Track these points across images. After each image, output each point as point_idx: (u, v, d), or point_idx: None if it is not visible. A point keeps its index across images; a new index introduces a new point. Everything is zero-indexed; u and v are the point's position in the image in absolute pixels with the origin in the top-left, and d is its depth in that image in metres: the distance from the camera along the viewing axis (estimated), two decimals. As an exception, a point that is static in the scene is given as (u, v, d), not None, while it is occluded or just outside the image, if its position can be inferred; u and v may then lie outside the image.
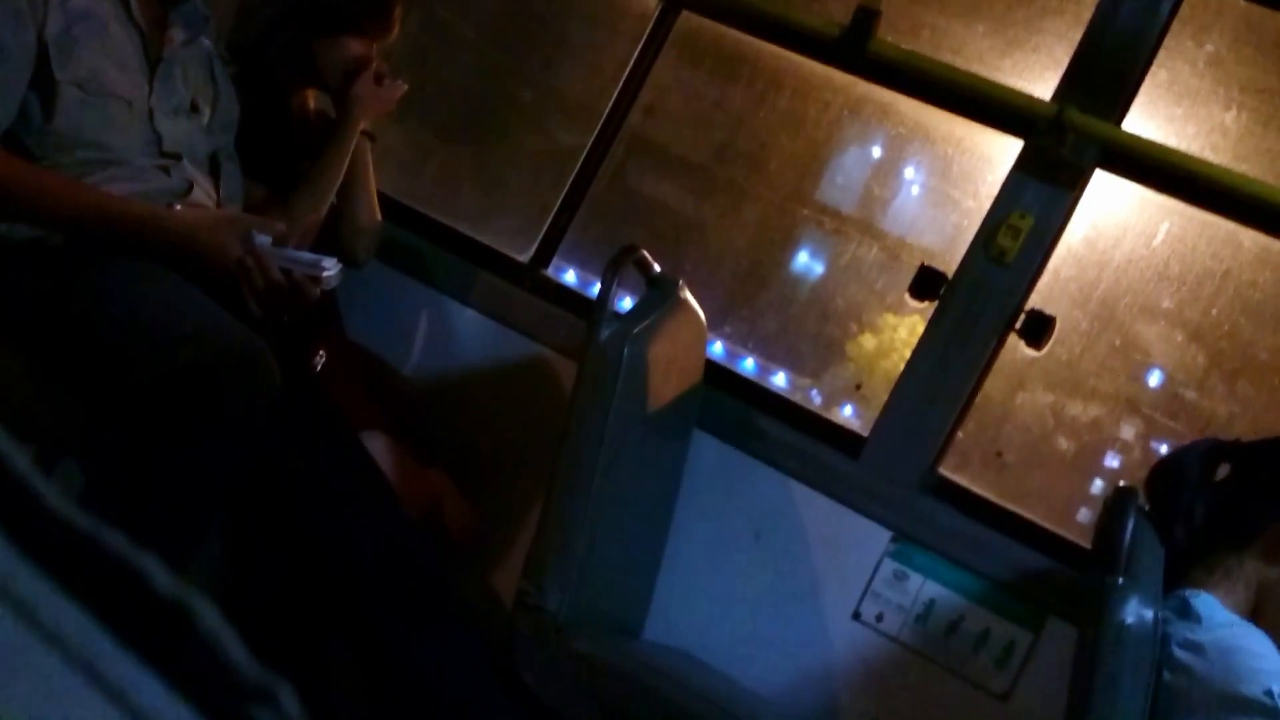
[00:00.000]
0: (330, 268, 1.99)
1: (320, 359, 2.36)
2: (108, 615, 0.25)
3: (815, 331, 2.86)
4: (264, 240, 1.95)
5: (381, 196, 2.57)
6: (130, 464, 1.77)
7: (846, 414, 2.69)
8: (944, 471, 2.45)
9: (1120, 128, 2.41)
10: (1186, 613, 1.88)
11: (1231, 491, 1.97)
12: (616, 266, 2.24)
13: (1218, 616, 1.88)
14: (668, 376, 2.33)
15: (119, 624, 0.26)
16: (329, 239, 2.41)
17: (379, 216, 2.53)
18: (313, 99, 2.53)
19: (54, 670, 0.24)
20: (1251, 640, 1.88)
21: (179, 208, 2.01)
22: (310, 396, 2.09)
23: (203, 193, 2.10)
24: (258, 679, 0.27)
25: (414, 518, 2.19)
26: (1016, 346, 2.46)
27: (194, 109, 2.15)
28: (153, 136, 2.04)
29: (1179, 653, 1.85)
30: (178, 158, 2.07)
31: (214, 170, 2.19)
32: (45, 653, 0.24)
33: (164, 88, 2.07)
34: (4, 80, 1.87)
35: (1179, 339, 2.57)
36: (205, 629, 0.27)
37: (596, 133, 2.83)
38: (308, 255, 2.01)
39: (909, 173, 2.85)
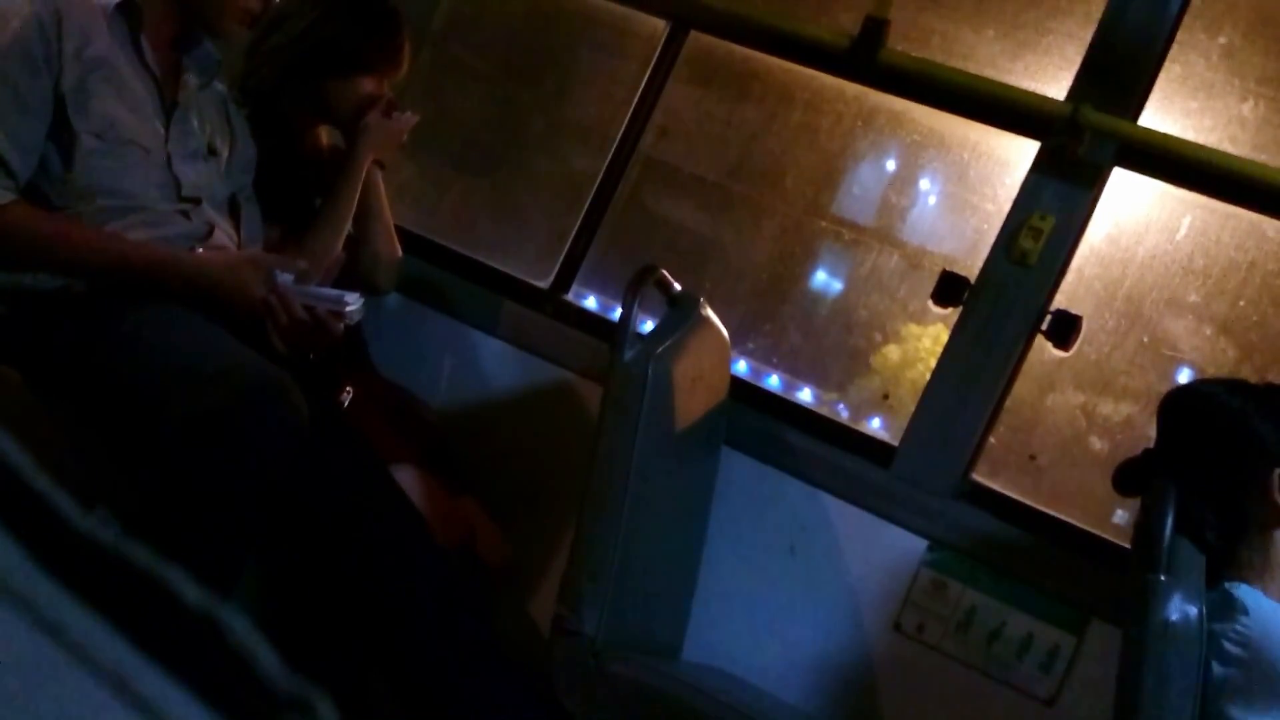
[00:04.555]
0: (353, 302, 2.00)
1: (348, 395, 2.37)
2: (136, 629, 0.25)
3: (839, 344, 2.84)
4: (286, 278, 1.96)
5: (401, 230, 2.59)
6: (163, 506, 1.78)
7: (875, 426, 2.67)
8: (977, 477, 2.43)
9: (1136, 124, 2.40)
10: (1231, 605, 1.86)
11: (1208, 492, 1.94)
12: (637, 287, 2.24)
13: (1264, 605, 1.86)
14: (693, 395, 2.33)
15: (148, 637, 0.25)
16: (349, 271, 2.42)
17: (397, 244, 2.55)
18: (325, 135, 2.55)
19: (83, 685, 0.24)
20: None
21: (201, 250, 2.03)
22: (339, 432, 2.09)
23: (224, 235, 2.12)
24: (292, 690, 0.27)
25: (447, 548, 2.19)
26: (1044, 348, 2.45)
27: (211, 152, 2.17)
28: (171, 181, 2.05)
29: (1229, 646, 1.83)
30: (197, 201, 2.09)
31: (234, 212, 2.21)
32: (74, 668, 0.24)
33: (180, 132, 2.09)
34: (24, 133, 1.89)
35: (1208, 333, 2.54)
36: (236, 640, 0.27)
37: (610, 157, 2.83)
38: (330, 291, 2.03)
39: (926, 180, 2.84)
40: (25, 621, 0.24)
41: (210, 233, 2.08)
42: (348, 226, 2.41)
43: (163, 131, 2.06)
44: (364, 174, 2.41)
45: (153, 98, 2.05)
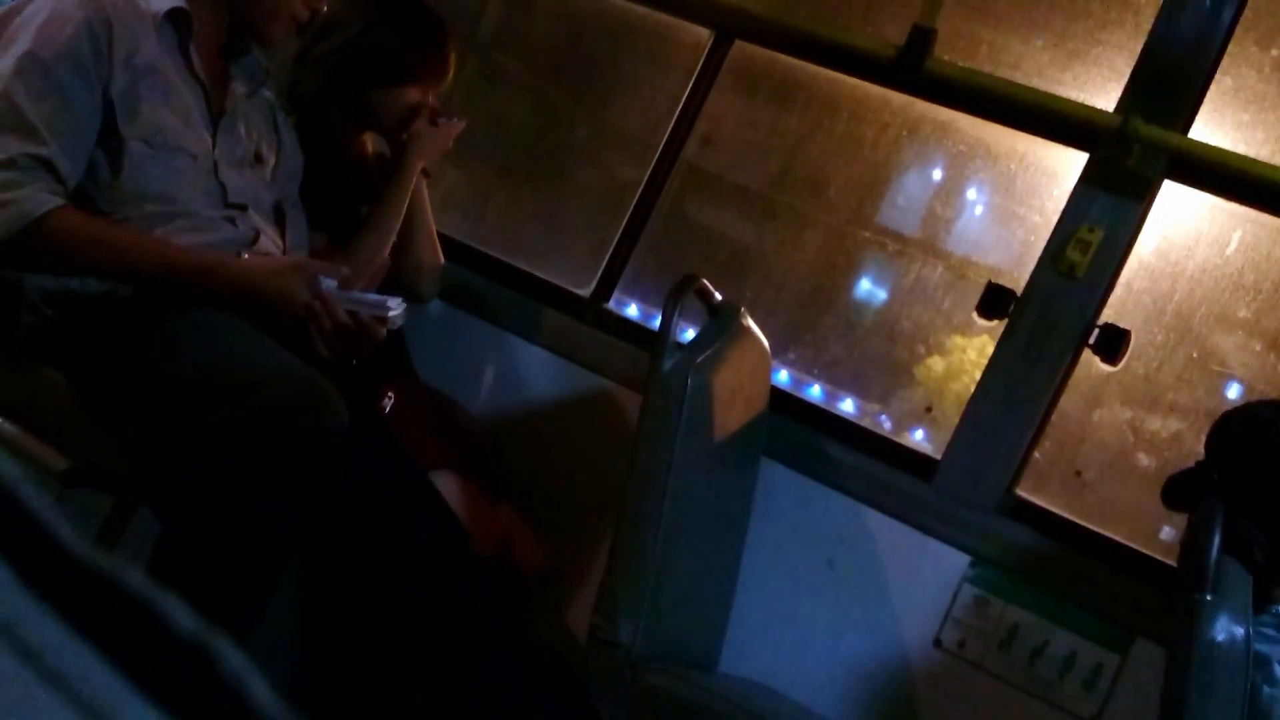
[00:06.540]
0: (395, 308, 2.00)
1: (389, 400, 2.38)
2: (125, 659, 0.25)
3: (882, 355, 2.82)
4: (330, 284, 1.97)
5: (444, 238, 2.60)
6: (203, 511, 1.79)
7: (918, 438, 2.65)
8: (1021, 492, 2.40)
9: (1187, 136, 2.37)
10: (1282, 628, 1.83)
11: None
12: (677, 296, 2.23)
13: None
14: (733, 405, 2.31)
15: (137, 668, 0.25)
16: (392, 277, 2.43)
17: (440, 251, 2.56)
18: (371, 143, 2.57)
19: (61, 716, 0.24)
20: None
21: (246, 256, 2.04)
22: (380, 437, 2.10)
23: (269, 241, 2.13)
24: (286, 724, 0.26)
25: (485, 556, 2.19)
26: (1092, 362, 2.42)
27: (258, 159, 2.18)
28: (218, 188, 2.07)
29: (1279, 670, 1.80)
30: (243, 208, 2.10)
31: (279, 219, 2.22)
32: (58, 702, 0.24)
33: (227, 140, 2.11)
34: (73, 138, 1.91)
35: (1257, 349, 2.50)
36: (228, 672, 0.26)
37: (653, 165, 2.83)
38: (373, 296, 2.04)
39: (972, 191, 2.81)
40: (2, 646, 0.24)
41: (256, 239, 2.10)
42: (394, 234, 2.42)
43: (210, 139, 2.07)
44: (413, 182, 2.42)
45: (200, 105, 2.07)
